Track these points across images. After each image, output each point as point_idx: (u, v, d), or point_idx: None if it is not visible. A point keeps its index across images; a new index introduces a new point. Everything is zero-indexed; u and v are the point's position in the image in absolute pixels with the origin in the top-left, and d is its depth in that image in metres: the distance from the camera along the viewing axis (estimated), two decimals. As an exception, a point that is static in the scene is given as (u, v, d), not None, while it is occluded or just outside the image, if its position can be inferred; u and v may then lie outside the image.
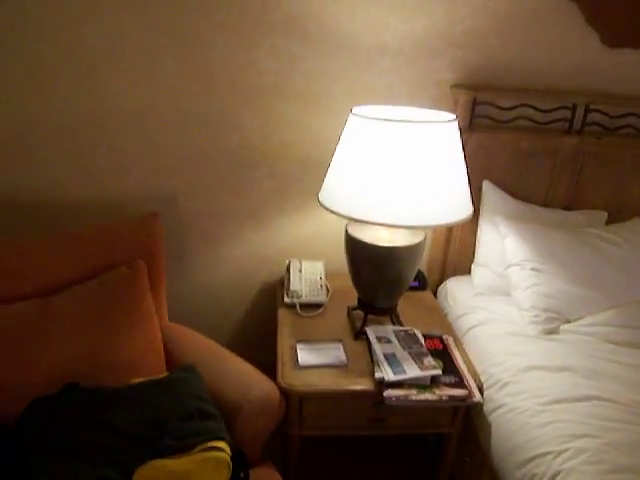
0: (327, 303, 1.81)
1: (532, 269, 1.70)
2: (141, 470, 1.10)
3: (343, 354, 1.54)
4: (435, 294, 2.01)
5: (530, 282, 1.68)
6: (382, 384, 1.39)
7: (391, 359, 1.45)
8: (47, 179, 1.81)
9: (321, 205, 1.49)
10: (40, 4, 1.58)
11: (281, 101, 1.79)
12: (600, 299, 1.68)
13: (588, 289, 1.68)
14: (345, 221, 1.57)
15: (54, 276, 1.46)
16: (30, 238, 1.48)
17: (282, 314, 1.76)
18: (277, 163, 1.87)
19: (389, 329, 1.60)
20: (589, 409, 1.29)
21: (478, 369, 1.53)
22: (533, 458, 1.22)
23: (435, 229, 1.95)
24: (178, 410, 1.25)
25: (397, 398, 1.36)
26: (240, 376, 1.41)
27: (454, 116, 1.46)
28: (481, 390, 1.44)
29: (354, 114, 1.43)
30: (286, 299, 1.78)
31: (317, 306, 1.78)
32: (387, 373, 1.40)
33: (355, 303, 1.69)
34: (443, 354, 1.54)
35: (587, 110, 1.82)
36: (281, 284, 1.91)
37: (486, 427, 1.42)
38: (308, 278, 1.82)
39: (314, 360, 1.51)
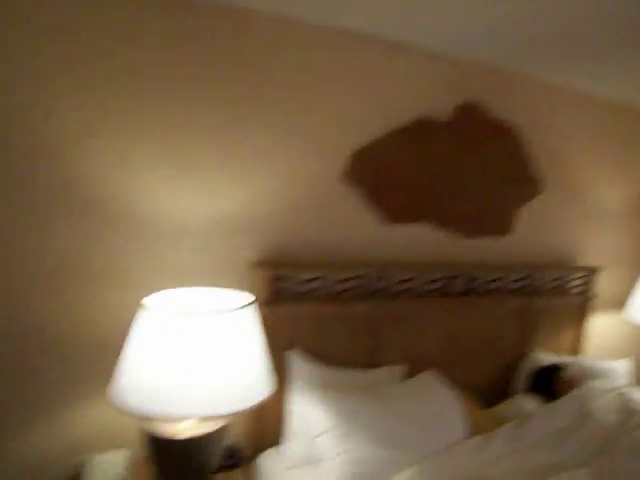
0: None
1: (338, 436, 1.74)
2: None
3: None
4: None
5: (337, 450, 1.71)
6: None
7: None
8: None
9: (111, 404, 1.39)
10: None
11: (77, 280, 1.70)
12: (401, 458, 1.77)
13: (391, 450, 1.76)
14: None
15: None
16: None
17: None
18: (69, 347, 1.72)
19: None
20: None
21: None
22: None
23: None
24: None
25: None
26: None
27: (251, 299, 1.52)
28: None
29: (144, 307, 1.41)
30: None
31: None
32: None
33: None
34: None
35: (375, 278, 2.06)
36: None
37: None
38: (104, 475, 1.63)
39: None
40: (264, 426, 1.95)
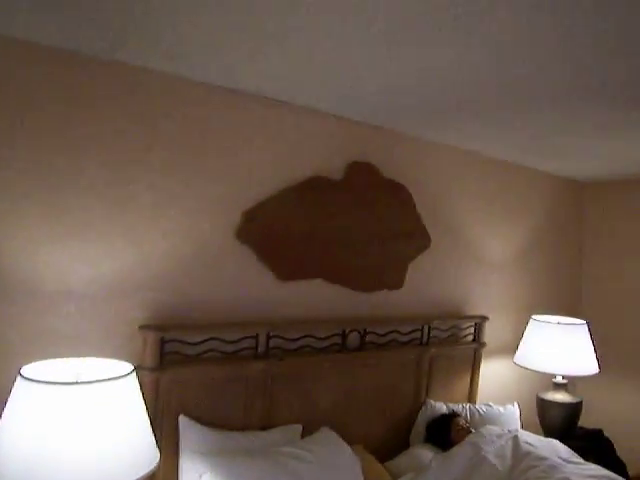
0: None
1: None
2: None
3: None
4: None
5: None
6: None
7: None
8: None
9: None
10: None
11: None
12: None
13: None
14: None
15: None
16: None
17: None
18: None
19: None
20: None
21: None
22: None
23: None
24: None
25: None
26: None
27: (130, 368, 1.47)
28: None
29: (20, 377, 1.34)
30: None
31: None
32: None
33: None
34: None
35: (269, 336, 2.07)
36: None
37: None
38: None
39: None
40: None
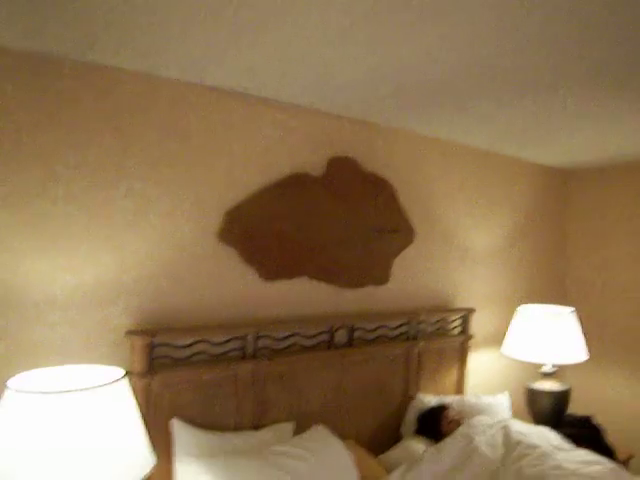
0: None
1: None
2: None
3: None
4: None
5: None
6: None
7: None
8: None
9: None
10: None
11: None
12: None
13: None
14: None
15: None
16: None
17: None
18: None
19: None
20: None
21: None
22: None
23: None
24: None
25: None
26: None
27: (121, 373, 1.47)
28: None
29: (7, 388, 1.34)
30: None
31: None
32: None
33: None
34: None
35: (257, 337, 2.07)
36: None
37: None
38: None
39: None
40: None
